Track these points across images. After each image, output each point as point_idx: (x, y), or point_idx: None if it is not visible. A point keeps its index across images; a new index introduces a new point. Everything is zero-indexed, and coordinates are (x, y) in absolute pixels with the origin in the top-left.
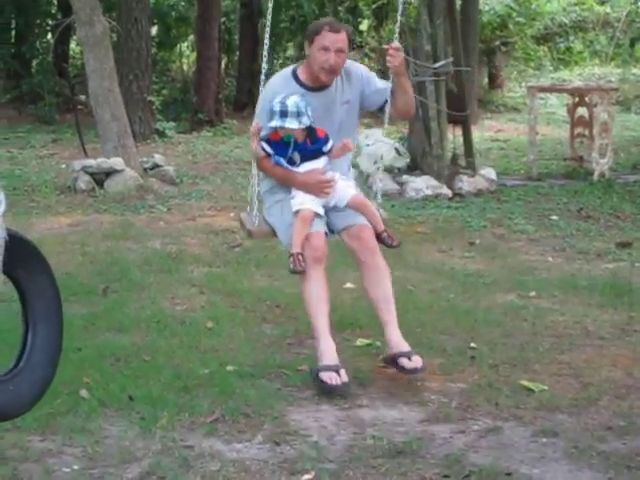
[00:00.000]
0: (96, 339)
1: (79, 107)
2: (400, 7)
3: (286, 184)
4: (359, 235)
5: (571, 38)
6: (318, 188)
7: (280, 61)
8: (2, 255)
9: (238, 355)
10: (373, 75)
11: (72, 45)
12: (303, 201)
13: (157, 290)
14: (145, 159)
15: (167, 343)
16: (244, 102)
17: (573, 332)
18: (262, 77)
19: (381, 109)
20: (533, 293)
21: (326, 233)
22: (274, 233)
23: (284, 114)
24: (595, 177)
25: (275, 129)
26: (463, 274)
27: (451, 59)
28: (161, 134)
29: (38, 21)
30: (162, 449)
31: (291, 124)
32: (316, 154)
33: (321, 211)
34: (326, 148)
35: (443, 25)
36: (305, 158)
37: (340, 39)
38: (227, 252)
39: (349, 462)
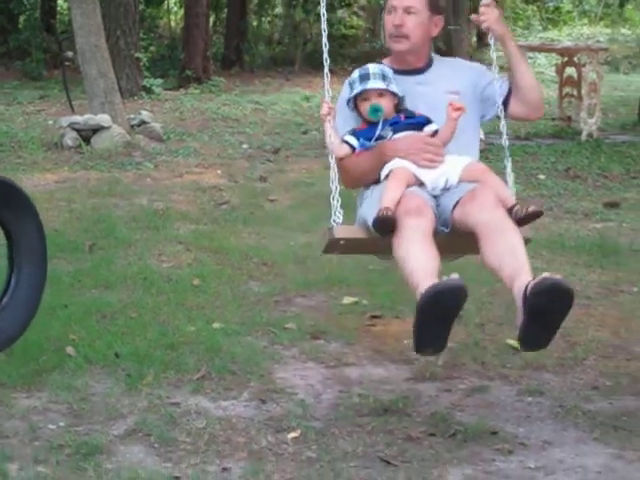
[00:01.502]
0: (82, 296)
1: (66, 63)
2: None
3: (377, 167)
4: (472, 196)
5: None
6: (417, 148)
7: (268, 19)
8: None
9: (224, 312)
10: (485, 67)
11: (59, 1)
12: (396, 164)
13: (144, 247)
14: (132, 116)
15: (153, 300)
16: (232, 59)
17: None
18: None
19: (504, 106)
20: None
21: (434, 213)
22: (365, 230)
23: (365, 77)
24: (583, 137)
25: (358, 96)
26: None
27: None
28: (148, 91)
29: None
30: (148, 406)
31: (375, 84)
32: (413, 128)
33: (426, 182)
34: (430, 128)
35: None
36: (399, 131)
37: None
38: (214, 209)
39: (335, 420)
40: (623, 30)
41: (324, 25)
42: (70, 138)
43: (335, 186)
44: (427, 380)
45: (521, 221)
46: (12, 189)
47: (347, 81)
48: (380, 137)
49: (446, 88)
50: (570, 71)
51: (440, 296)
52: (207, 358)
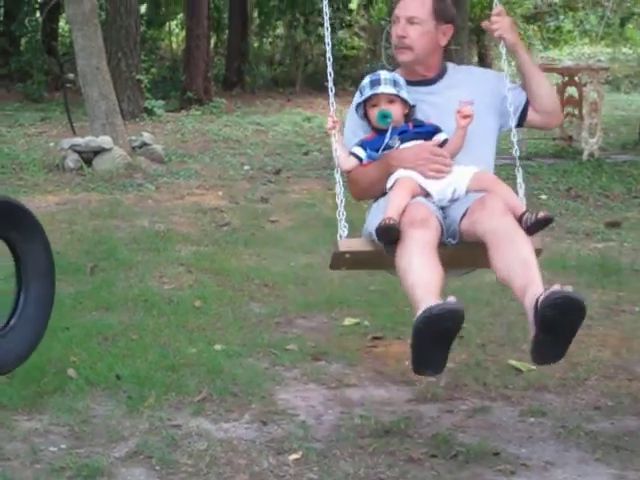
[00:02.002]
0: (83, 318)
1: (68, 85)
2: None
3: (383, 177)
4: (481, 204)
5: (561, 17)
6: (424, 159)
7: (269, 39)
8: None
9: (226, 334)
10: (503, 74)
11: (61, 23)
12: (402, 174)
13: (145, 269)
14: (133, 138)
15: (155, 322)
16: (233, 81)
17: None
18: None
19: (523, 115)
20: None
21: (440, 223)
22: (370, 243)
23: (376, 82)
24: (584, 157)
25: (365, 103)
26: None
27: None
28: (150, 112)
29: None
30: (149, 428)
31: (386, 89)
32: (422, 137)
33: (433, 192)
34: (438, 137)
35: None
36: (407, 140)
37: (413, 5)
38: (215, 231)
39: (336, 442)
40: (624, 49)
41: (328, 39)
42: (71, 160)
43: (340, 200)
44: (428, 401)
45: (531, 229)
46: (19, 210)
47: (359, 88)
48: (388, 147)
49: (459, 97)
50: (571, 91)
51: (436, 319)
52: (208, 380)
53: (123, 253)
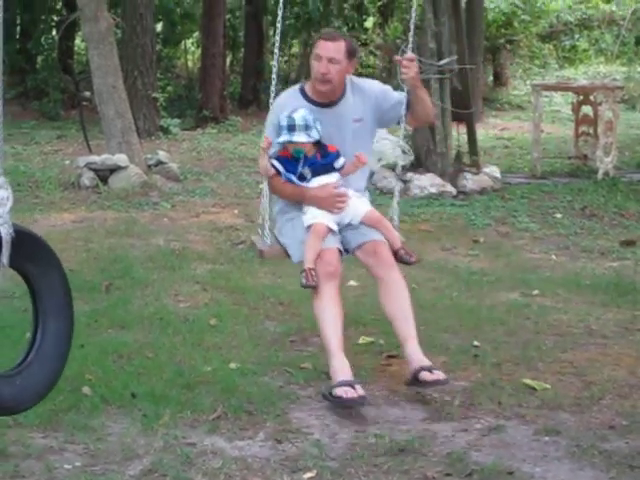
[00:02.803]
0: (99, 336)
1: (84, 103)
2: (413, 15)
3: (297, 201)
4: (375, 250)
5: (576, 36)
6: (330, 202)
7: (285, 58)
8: (8, 250)
9: (241, 352)
10: (388, 88)
11: (77, 41)
12: (315, 216)
13: (160, 287)
14: (149, 156)
15: (170, 340)
16: (249, 99)
17: (576, 331)
18: (273, 76)
19: (399, 122)
20: (536, 291)
21: (340, 251)
22: (287, 253)
23: (292, 128)
24: (599, 175)
25: (284, 144)
26: (467, 272)
27: (455, 57)
28: (165, 131)
29: (43, 17)
30: (164, 446)
31: (299, 138)
32: (327, 169)
33: (335, 227)
34: (338, 164)
35: (448, 23)
36: (316, 173)
37: (333, 48)
38: (231, 249)
39: (351, 460)
40: (639, 68)
41: (276, 62)
42: (87, 178)
43: (265, 208)
44: (443, 420)
45: (402, 263)
46: (33, 240)
47: (275, 113)
48: (301, 174)
49: (352, 117)
50: (586, 109)
51: (346, 404)
52: (223, 398)
53: (139, 271)
